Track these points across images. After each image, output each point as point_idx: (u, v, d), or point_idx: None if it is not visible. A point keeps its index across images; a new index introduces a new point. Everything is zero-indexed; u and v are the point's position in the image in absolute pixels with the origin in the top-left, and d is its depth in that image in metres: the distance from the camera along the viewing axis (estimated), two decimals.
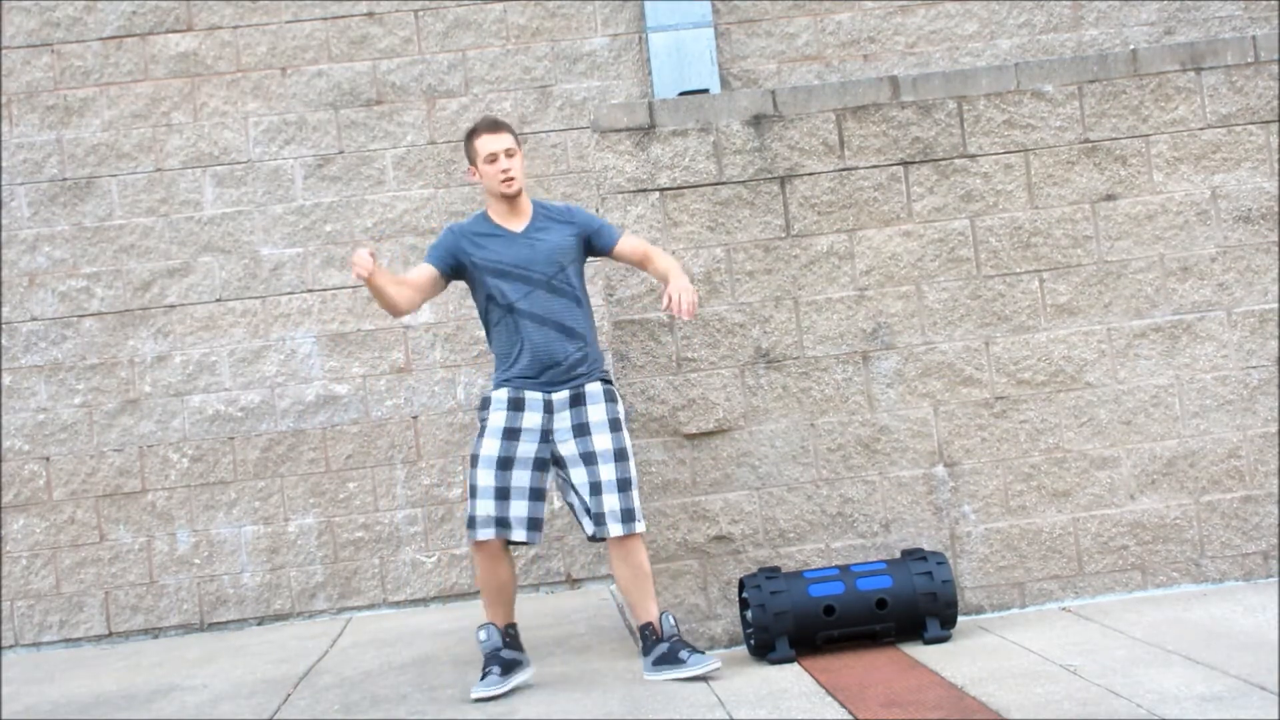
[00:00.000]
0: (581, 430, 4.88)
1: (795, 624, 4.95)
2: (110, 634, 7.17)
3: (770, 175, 5.43)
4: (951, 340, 5.45)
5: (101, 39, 7.33)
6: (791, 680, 4.69)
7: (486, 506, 4.81)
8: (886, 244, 5.45)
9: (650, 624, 4.90)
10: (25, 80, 7.31)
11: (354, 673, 5.63)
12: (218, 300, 7.28)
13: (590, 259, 5.13)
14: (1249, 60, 5.54)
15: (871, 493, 5.40)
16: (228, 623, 7.20)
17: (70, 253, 7.26)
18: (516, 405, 4.89)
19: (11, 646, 7.14)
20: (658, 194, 5.40)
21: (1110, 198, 5.50)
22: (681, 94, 5.63)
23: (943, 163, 5.48)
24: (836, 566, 5.14)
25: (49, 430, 7.20)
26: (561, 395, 4.90)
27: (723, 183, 5.42)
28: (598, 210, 5.44)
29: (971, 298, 5.45)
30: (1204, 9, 7.64)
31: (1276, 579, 5.42)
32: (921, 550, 5.16)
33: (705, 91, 5.79)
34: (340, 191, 7.34)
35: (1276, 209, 5.51)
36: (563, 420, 4.89)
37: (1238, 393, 5.47)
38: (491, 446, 4.84)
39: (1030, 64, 5.51)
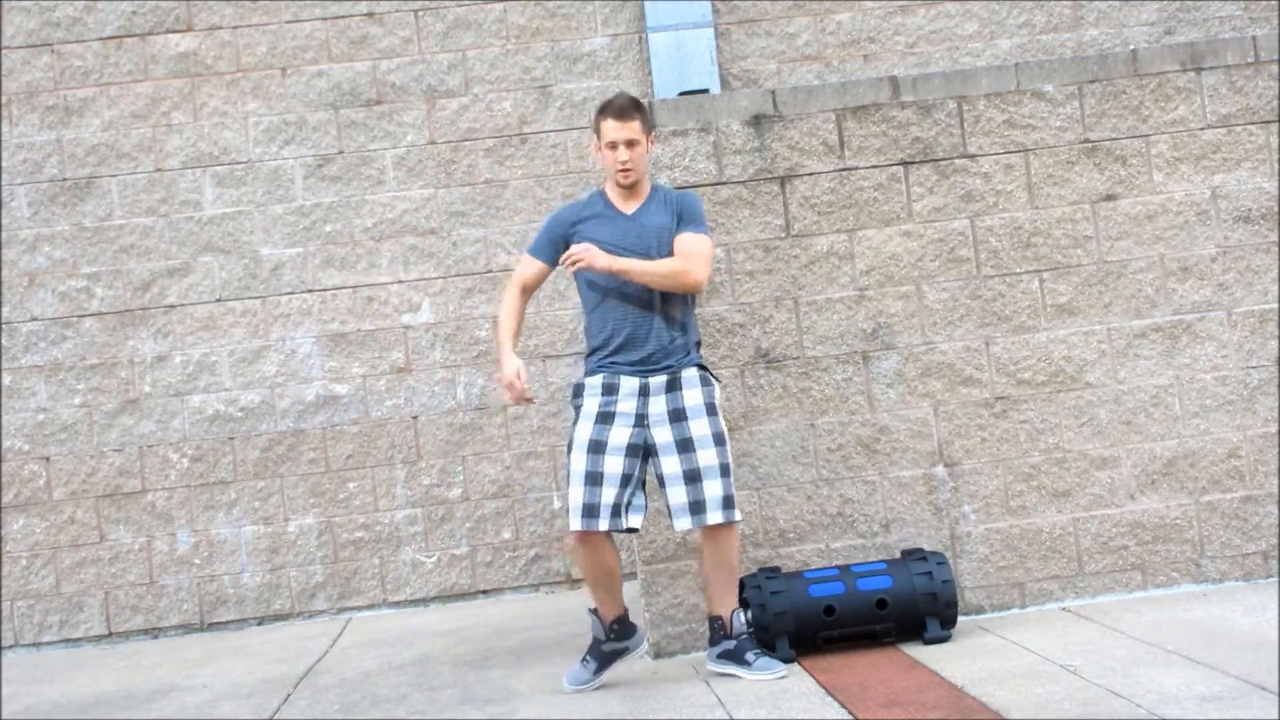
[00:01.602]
0: (678, 415, 4.73)
1: (795, 624, 4.95)
2: (110, 634, 7.17)
3: (770, 175, 5.43)
4: (951, 340, 5.45)
5: (101, 39, 7.33)
6: (792, 680, 4.69)
7: (579, 494, 4.68)
8: (886, 244, 5.45)
9: (720, 618, 4.81)
10: (25, 80, 7.31)
11: (354, 673, 5.63)
12: (218, 300, 7.28)
13: None
14: (1249, 60, 5.54)
15: (871, 493, 5.40)
16: (228, 623, 7.20)
17: (70, 253, 7.26)
18: (610, 390, 4.76)
19: (11, 646, 7.14)
20: None
21: (1110, 198, 5.51)
22: (681, 94, 5.63)
23: (943, 163, 5.48)
24: (836, 566, 5.14)
25: (49, 430, 7.20)
26: (658, 380, 4.75)
27: (723, 183, 5.42)
28: None
29: (971, 298, 5.46)
30: (1204, 9, 7.64)
31: (1276, 579, 5.42)
32: (921, 550, 5.16)
33: (705, 91, 5.79)
34: (340, 191, 7.34)
35: (1276, 209, 5.51)
36: (658, 405, 4.74)
37: (1238, 393, 5.47)
38: (585, 430, 4.72)
39: (1030, 64, 5.51)
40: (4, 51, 7.30)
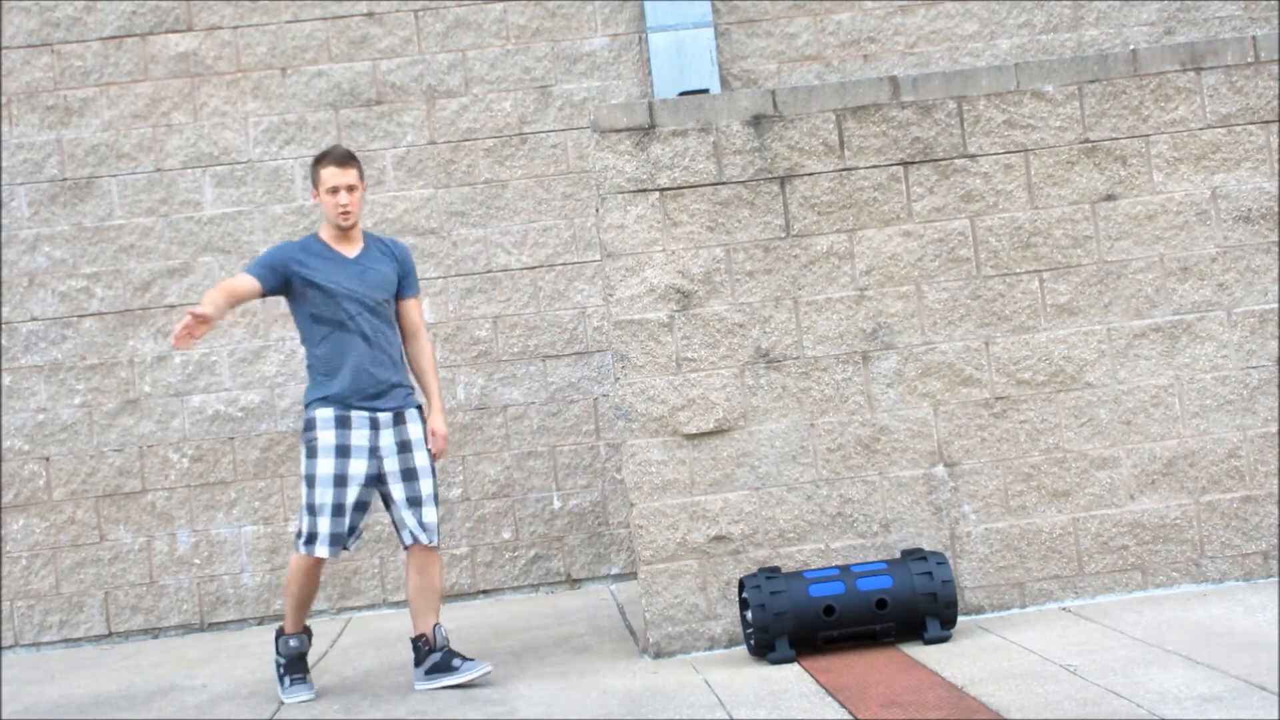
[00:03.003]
0: (404, 447, 5.17)
1: (795, 624, 4.95)
2: (110, 634, 7.17)
3: (770, 175, 5.43)
4: (951, 340, 5.45)
5: (101, 39, 7.33)
6: (791, 680, 4.69)
7: (326, 524, 5.08)
8: (886, 244, 5.45)
9: (424, 635, 5.13)
10: (25, 80, 7.31)
11: (354, 672, 5.63)
12: None
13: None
14: (1249, 60, 5.54)
15: (871, 493, 5.40)
16: (228, 623, 7.20)
17: (70, 253, 7.26)
18: (344, 423, 5.12)
19: (11, 646, 7.14)
20: (658, 194, 5.40)
21: (1110, 198, 5.51)
22: (681, 94, 5.63)
23: (943, 163, 5.48)
24: (836, 566, 5.14)
25: (49, 430, 7.20)
26: (386, 415, 5.16)
27: (723, 183, 5.42)
28: (597, 211, 5.45)
29: (971, 298, 5.46)
30: (1204, 9, 7.64)
31: (1276, 579, 5.42)
32: (921, 550, 5.16)
33: (705, 91, 5.79)
34: None
35: (1276, 209, 5.51)
36: (388, 437, 5.16)
37: (1238, 393, 5.47)
38: (327, 465, 5.08)
39: (1030, 64, 5.51)
40: (4, 51, 7.30)
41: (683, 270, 5.39)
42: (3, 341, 7.21)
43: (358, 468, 5.10)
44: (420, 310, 5.41)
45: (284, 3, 7.38)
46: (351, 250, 5.23)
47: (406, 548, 5.17)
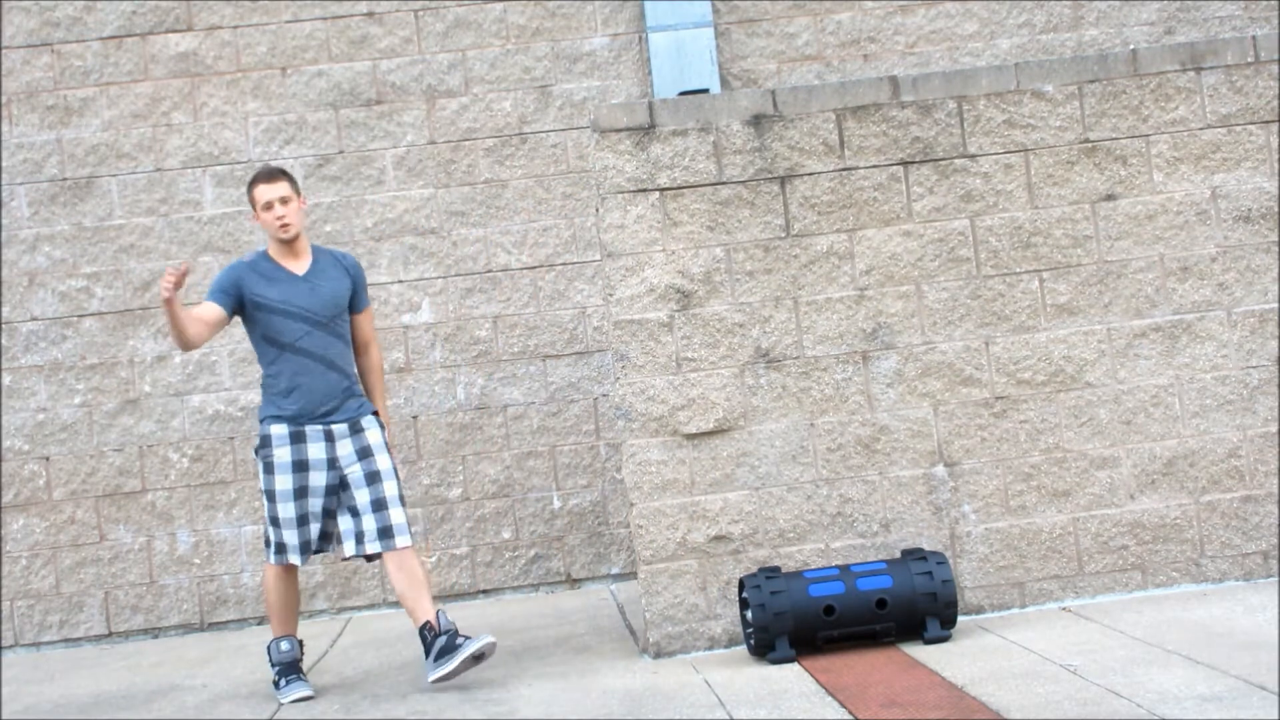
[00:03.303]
0: (365, 453, 5.22)
1: (795, 624, 4.95)
2: (110, 634, 7.17)
3: (770, 175, 5.43)
4: (951, 340, 5.45)
5: (101, 39, 7.33)
6: (791, 680, 4.69)
7: (291, 535, 5.16)
8: (886, 244, 5.45)
9: (429, 622, 5.10)
10: (25, 80, 7.31)
11: (354, 672, 5.63)
12: None
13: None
14: (1249, 60, 5.54)
15: (871, 492, 5.40)
16: (228, 623, 7.20)
17: (70, 253, 7.26)
18: (298, 438, 5.18)
19: (11, 646, 7.14)
20: (658, 194, 5.40)
21: (1110, 198, 5.51)
22: (681, 94, 5.63)
23: (943, 163, 5.48)
24: (836, 566, 5.14)
25: (49, 430, 7.20)
26: (341, 426, 5.22)
27: (723, 183, 5.42)
28: (597, 211, 5.45)
29: (971, 298, 5.46)
30: (1204, 9, 7.64)
31: (1276, 579, 5.42)
32: (921, 550, 5.16)
33: (705, 91, 5.79)
34: (340, 191, 7.33)
35: (1276, 209, 5.51)
36: (345, 447, 5.22)
37: (1238, 393, 5.47)
38: (285, 482, 5.16)
39: (1030, 64, 5.51)
40: (4, 51, 7.30)
41: (683, 270, 5.39)
42: (3, 341, 7.21)
43: (317, 479, 5.18)
44: (371, 322, 5.49)
45: (284, 3, 7.38)
46: (299, 266, 5.26)
47: (350, 557, 5.20)
